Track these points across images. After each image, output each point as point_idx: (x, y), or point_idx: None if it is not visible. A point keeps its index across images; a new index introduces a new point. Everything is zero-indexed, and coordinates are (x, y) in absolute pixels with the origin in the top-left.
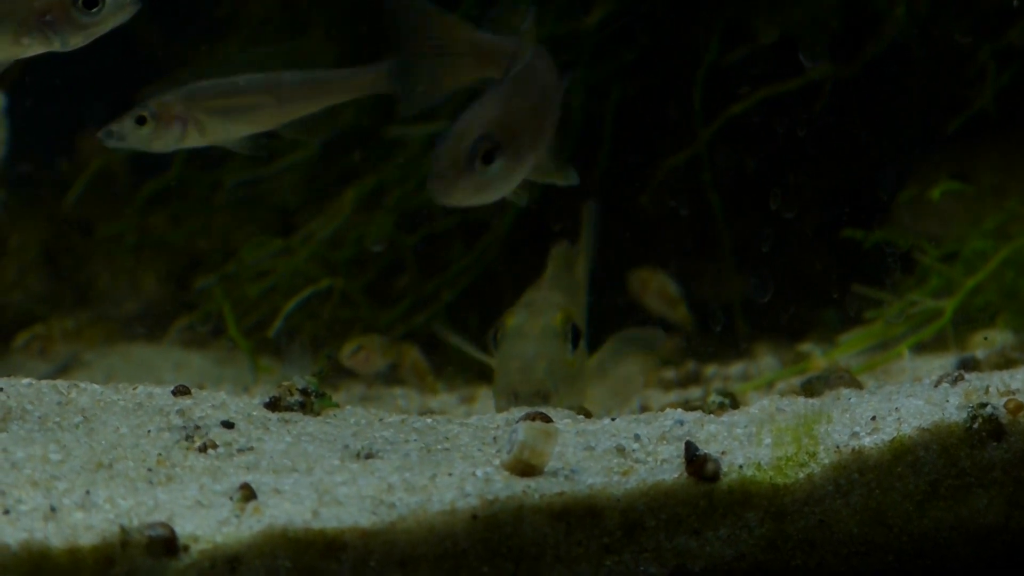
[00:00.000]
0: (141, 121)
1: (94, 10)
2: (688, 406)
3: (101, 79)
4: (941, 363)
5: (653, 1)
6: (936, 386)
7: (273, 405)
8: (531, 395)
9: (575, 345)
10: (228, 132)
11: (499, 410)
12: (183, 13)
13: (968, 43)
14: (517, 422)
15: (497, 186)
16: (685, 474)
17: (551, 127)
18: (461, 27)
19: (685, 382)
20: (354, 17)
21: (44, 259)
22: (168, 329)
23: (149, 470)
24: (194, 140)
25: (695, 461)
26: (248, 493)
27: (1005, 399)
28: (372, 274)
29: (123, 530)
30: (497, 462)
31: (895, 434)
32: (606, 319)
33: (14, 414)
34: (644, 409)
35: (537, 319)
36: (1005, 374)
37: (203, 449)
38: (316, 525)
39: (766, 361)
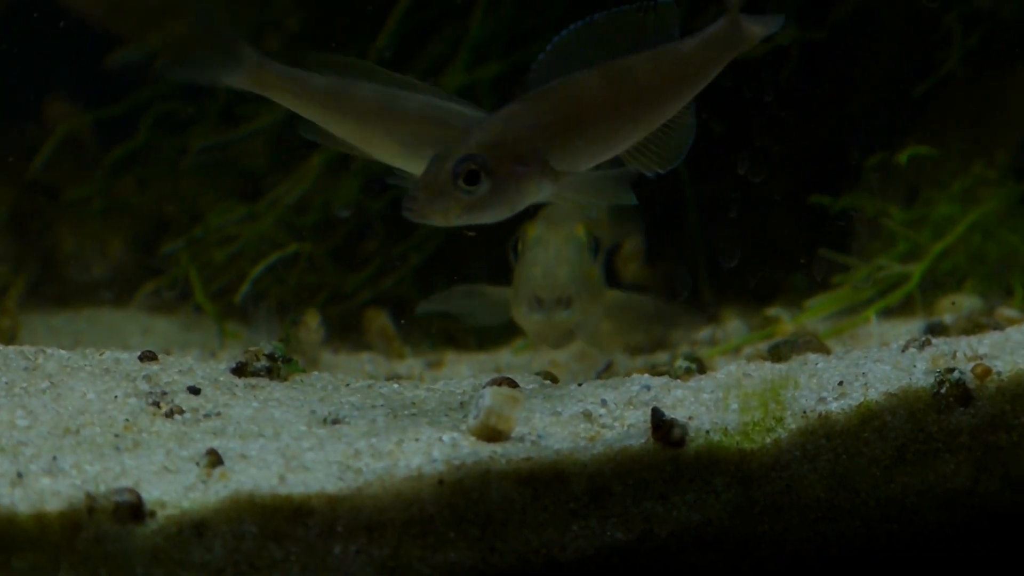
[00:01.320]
0: None
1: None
2: (655, 371)
3: (67, 45)
4: (908, 328)
5: None
6: (903, 351)
7: (240, 370)
8: (554, 301)
9: (596, 255)
10: None
11: (519, 319)
12: None
13: (935, 7)
14: (484, 387)
15: (487, 208)
16: (652, 439)
17: (606, 141)
18: None
19: (652, 347)
20: None
21: (11, 223)
22: (135, 294)
23: (116, 436)
24: None
25: (662, 427)
26: (215, 459)
27: (973, 364)
28: (339, 239)
29: (89, 496)
30: (464, 427)
31: (862, 399)
32: None
33: None
34: (608, 368)
35: (558, 228)
36: (973, 339)
37: (170, 415)
38: (283, 491)
39: (733, 326)
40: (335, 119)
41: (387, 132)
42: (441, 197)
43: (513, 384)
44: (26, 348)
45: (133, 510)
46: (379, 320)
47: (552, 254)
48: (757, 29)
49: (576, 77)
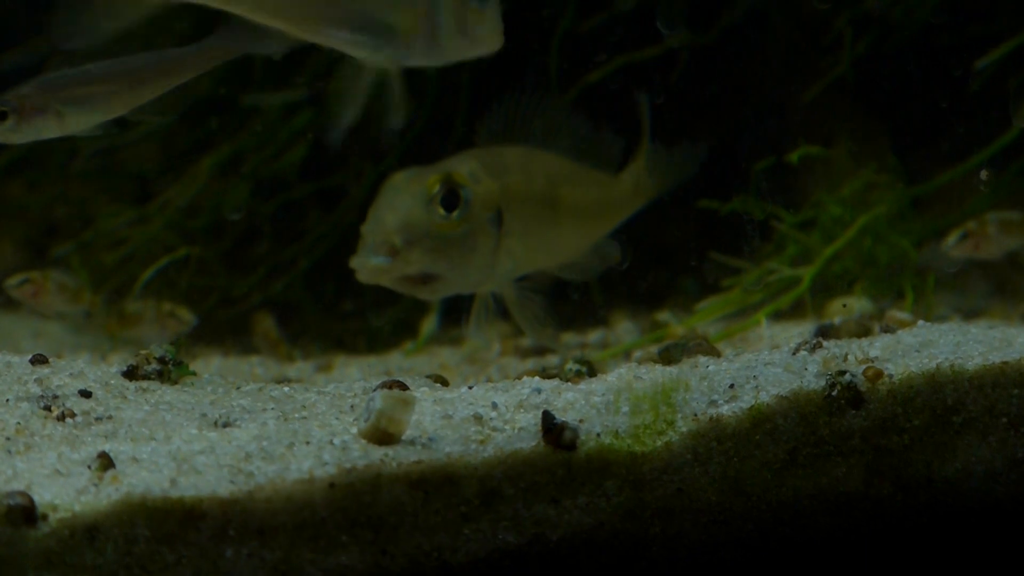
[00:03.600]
0: (2, 116)
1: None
2: (545, 374)
3: None
4: (799, 331)
5: None
6: (795, 354)
7: (131, 374)
8: (376, 244)
9: (451, 209)
10: (87, 120)
11: (354, 262)
12: None
13: (825, 10)
14: (375, 390)
15: None
16: (543, 443)
17: None
18: None
19: (542, 350)
20: None
21: None
22: None
23: (8, 439)
24: (52, 131)
25: (553, 430)
26: (106, 462)
27: (864, 367)
28: (229, 242)
29: None
30: (355, 430)
31: (753, 402)
32: None
33: None
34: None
35: (415, 179)
36: (864, 341)
37: (61, 418)
38: (174, 494)
39: (623, 328)
40: None
41: None
42: None
43: (404, 387)
44: None
45: (25, 513)
46: (264, 323)
47: (389, 200)
48: None
49: None
